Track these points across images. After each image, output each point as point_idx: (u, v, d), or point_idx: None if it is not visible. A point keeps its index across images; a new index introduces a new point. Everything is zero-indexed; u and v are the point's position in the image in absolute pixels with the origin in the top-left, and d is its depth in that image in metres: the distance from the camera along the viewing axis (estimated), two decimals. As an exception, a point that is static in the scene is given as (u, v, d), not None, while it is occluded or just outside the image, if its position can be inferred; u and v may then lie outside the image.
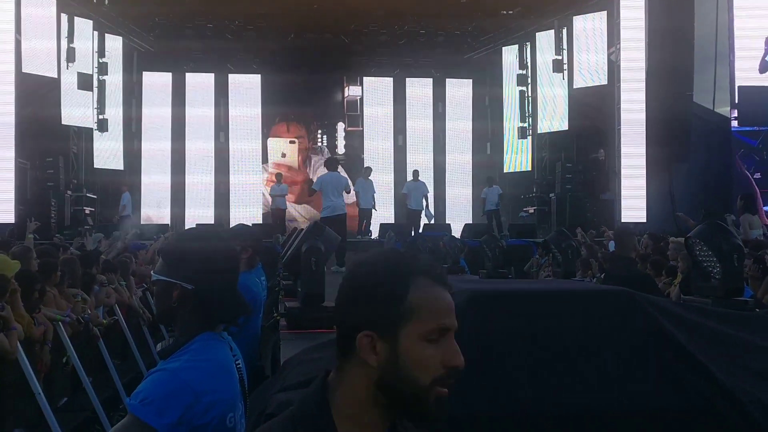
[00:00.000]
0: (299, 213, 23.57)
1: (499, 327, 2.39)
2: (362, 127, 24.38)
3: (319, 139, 24.55)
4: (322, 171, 14.53)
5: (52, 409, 6.35)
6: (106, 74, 20.87)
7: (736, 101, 17.33)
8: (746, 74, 17.51)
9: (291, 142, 24.24)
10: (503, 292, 2.62)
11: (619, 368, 2.38)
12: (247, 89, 23.78)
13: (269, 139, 23.98)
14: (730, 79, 17.66)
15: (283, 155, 24.10)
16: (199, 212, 22.61)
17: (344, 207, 13.13)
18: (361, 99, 24.35)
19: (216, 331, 2.38)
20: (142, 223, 20.24)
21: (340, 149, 24.37)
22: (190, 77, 23.50)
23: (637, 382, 2.36)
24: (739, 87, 17.26)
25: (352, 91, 24.32)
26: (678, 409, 2.33)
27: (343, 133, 24.52)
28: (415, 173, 19.34)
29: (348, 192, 13.61)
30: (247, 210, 23.10)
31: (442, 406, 1.47)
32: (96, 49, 20.65)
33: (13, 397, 6.41)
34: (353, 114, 24.37)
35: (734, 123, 17.50)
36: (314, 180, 14.16)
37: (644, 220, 17.45)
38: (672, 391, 2.35)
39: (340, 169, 14.27)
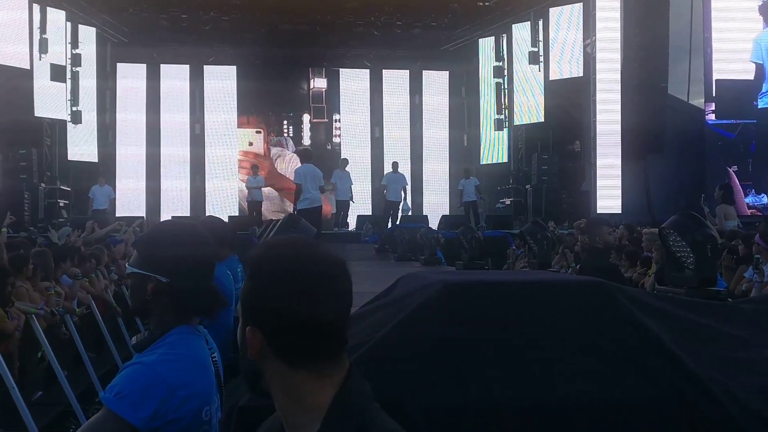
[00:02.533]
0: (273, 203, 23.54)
1: (473, 318, 2.40)
2: (326, 118, 24.34)
3: (285, 131, 24.52)
4: (293, 163, 14.47)
5: (27, 404, 6.30)
6: (80, 66, 20.65)
7: (713, 94, 17.46)
8: (725, 58, 17.66)
9: (257, 131, 24.21)
10: (477, 283, 2.64)
11: (591, 359, 2.40)
12: (222, 81, 23.65)
13: (237, 129, 23.89)
14: (705, 71, 17.80)
15: (250, 144, 24.07)
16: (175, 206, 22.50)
17: (321, 199, 13.13)
18: (330, 90, 24.25)
19: (191, 324, 2.38)
20: (117, 215, 20.09)
21: (306, 140, 24.36)
22: (164, 68, 23.31)
23: (609, 373, 2.39)
24: (716, 80, 17.40)
25: (317, 82, 24.26)
26: (650, 399, 2.36)
27: (309, 125, 24.48)
28: (395, 165, 19.34)
29: (323, 189, 13.45)
30: (224, 201, 23.03)
31: None
32: (69, 40, 20.42)
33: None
34: (318, 105, 24.32)
35: (711, 116, 17.64)
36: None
37: (619, 211, 17.59)
38: (644, 381, 2.38)
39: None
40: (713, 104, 17.54)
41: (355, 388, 1.49)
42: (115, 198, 19.44)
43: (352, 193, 18.44)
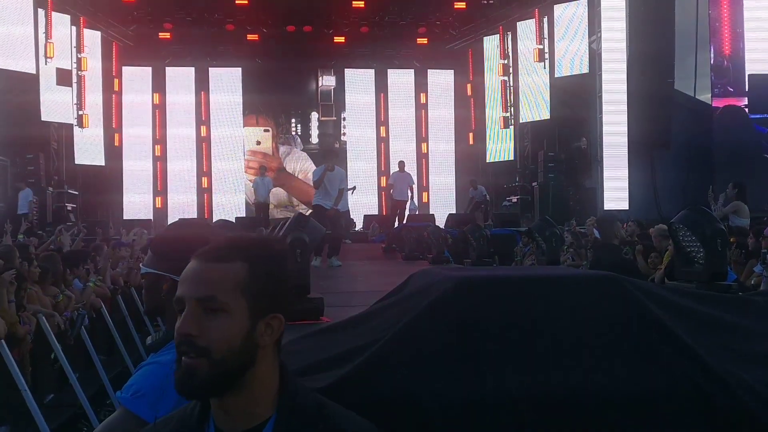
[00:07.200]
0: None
1: (487, 313, 2.39)
2: (335, 116, 24.35)
3: (293, 129, 24.54)
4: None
5: (39, 406, 6.32)
6: (85, 69, 20.70)
7: (746, 89, 17.54)
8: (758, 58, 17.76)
9: (265, 130, 24.25)
10: (490, 279, 2.63)
11: (605, 353, 2.39)
12: (227, 82, 23.68)
13: (244, 128, 23.90)
14: (738, 66, 17.81)
15: (258, 143, 24.11)
16: (182, 209, 22.57)
17: None
18: (336, 89, 24.24)
19: (206, 322, 2.38)
20: (124, 218, 20.17)
21: (314, 139, 24.39)
22: (170, 71, 23.36)
23: (623, 367, 2.38)
24: (749, 75, 17.46)
25: (325, 81, 24.27)
26: (665, 392, 2.35)
27: (317, 123, 24.51)
28: (401, 164, 19.35)
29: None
30: (231, 196, 23.14)
31: (180, 373, 1.51)
32: (74, 43, 20.48)
33: (-1, 394, 6.38)
34: (326, 104, 24.32)
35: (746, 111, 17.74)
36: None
37: (627, 207, 17.56)
38: (659, 374, 2.37)
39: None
40: (746, 99, 17.58)
41: (290, 371, 1.59)
42: (33, 200, 18.51)
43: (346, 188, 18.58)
